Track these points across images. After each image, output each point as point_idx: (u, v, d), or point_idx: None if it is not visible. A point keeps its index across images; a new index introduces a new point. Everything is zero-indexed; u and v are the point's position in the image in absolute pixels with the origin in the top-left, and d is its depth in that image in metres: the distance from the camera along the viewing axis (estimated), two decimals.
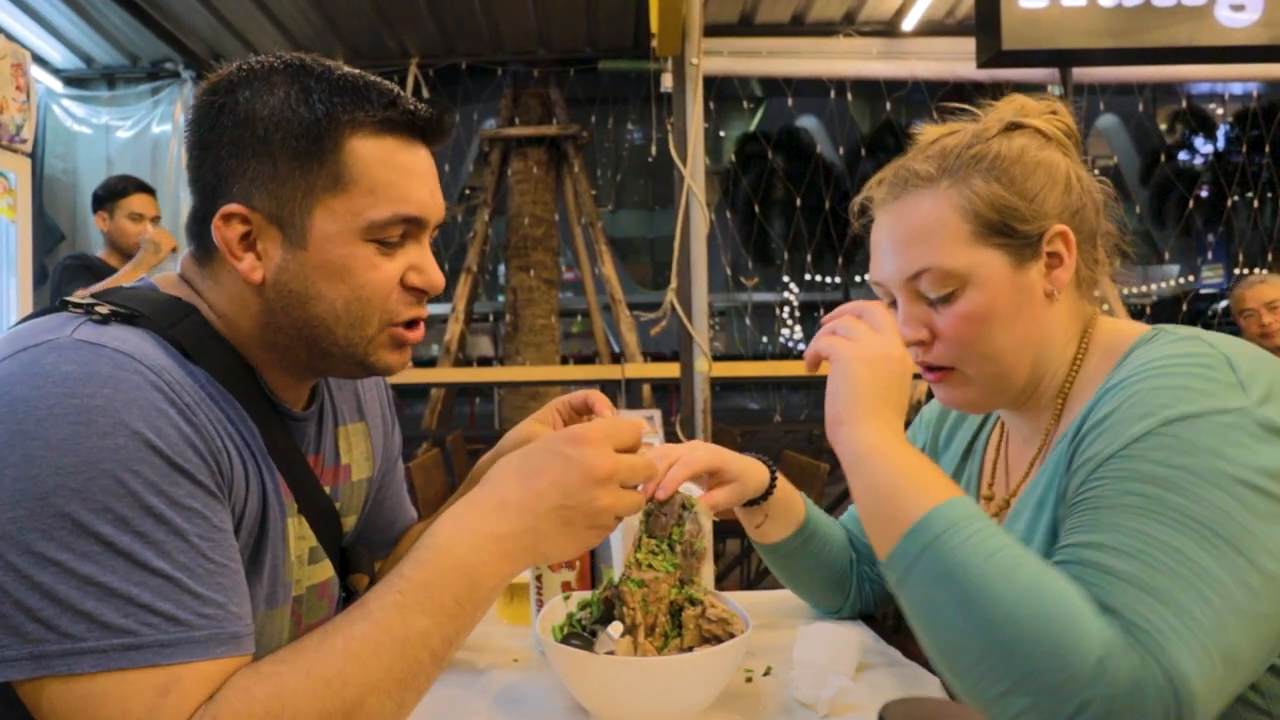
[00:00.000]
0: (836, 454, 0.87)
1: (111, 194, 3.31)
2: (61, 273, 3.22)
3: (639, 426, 0.86)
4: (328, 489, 0.97)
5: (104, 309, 0.78)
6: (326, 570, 0.96)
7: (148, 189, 3.38)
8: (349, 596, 0.99)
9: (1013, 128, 0.96)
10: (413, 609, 0.75)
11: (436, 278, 0.88)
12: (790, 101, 5.58)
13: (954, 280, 0.91)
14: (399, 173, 0.84)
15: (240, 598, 0.74)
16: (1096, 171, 1.00)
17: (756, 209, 6.66)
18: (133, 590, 0.67)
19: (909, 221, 0.94)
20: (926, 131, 1.00)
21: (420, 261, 0.87)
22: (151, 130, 5.58)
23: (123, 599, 0.67)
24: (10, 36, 4.20)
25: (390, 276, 0.85)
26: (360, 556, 1.02)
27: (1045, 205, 0.92)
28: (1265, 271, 4.05)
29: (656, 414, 3.86)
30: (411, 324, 0.88)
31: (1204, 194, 7.44)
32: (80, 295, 0.82)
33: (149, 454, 0.70)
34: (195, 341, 0.82)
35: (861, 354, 0.88)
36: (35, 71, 4.75)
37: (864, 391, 0.86)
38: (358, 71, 0.85)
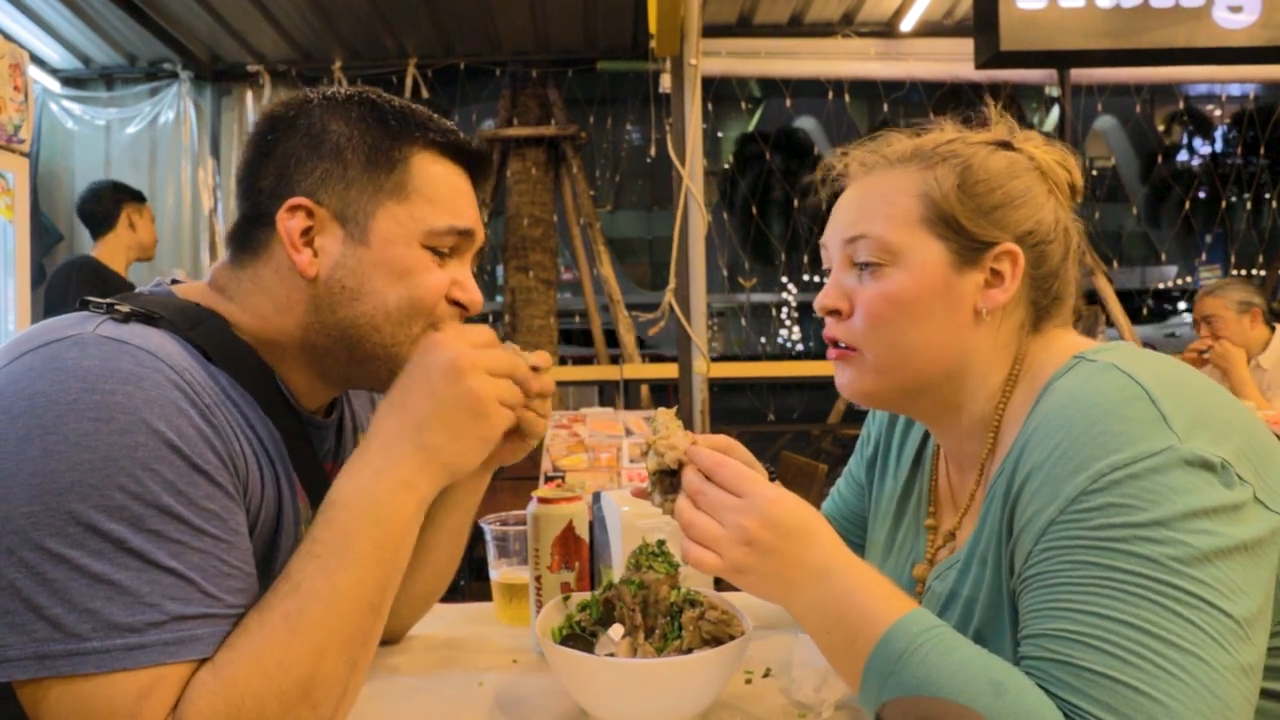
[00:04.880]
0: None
1: (138, 196, 3.33)
2: (68, 279, 3.21)
3: (487, 329, 0.89)
4: None
5: (124, 308, 0.78)
6: None
7: None
8: None
9: (1002, 146, 0.94)
10: (333, 568, 0.75)
11: (477, 295, 0.93)
12: (788, 102, 5.58)
13: (886, 253, 0.90)
14: (455, 192, 0.91)
15: (250, 601, 0.74)
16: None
17: (754, 209, 6.66)
18: (143, 589, 0.67)
19: (866, 189, 0.95)
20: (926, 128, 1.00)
21: (464, 279, 0.92)
22: (150, 131, 5.57)
23: (132, 598, 0.67)
24: (8, 37, 4.20)
25: (443, 282, 0.90)
26: None
27: (1003, 220, 0.90)
28: (1232, 275, 4.06)
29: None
30: None
31: (1202, 195, 7.45)
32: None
33: (168, 453, 0.70)
34: (216, 344, 0.83)
35: (733, 561, 0.81)
36: (33, 71, 4.74)
37: (762, 585, 0.82)
38: (422, 107, 0.93)
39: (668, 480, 0.89)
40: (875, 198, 0.93)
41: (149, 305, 0.81)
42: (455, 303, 0.91)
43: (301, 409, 0.91)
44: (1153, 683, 0.67)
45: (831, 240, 0.97)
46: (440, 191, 0.89)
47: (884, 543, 1.09)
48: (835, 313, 0.95)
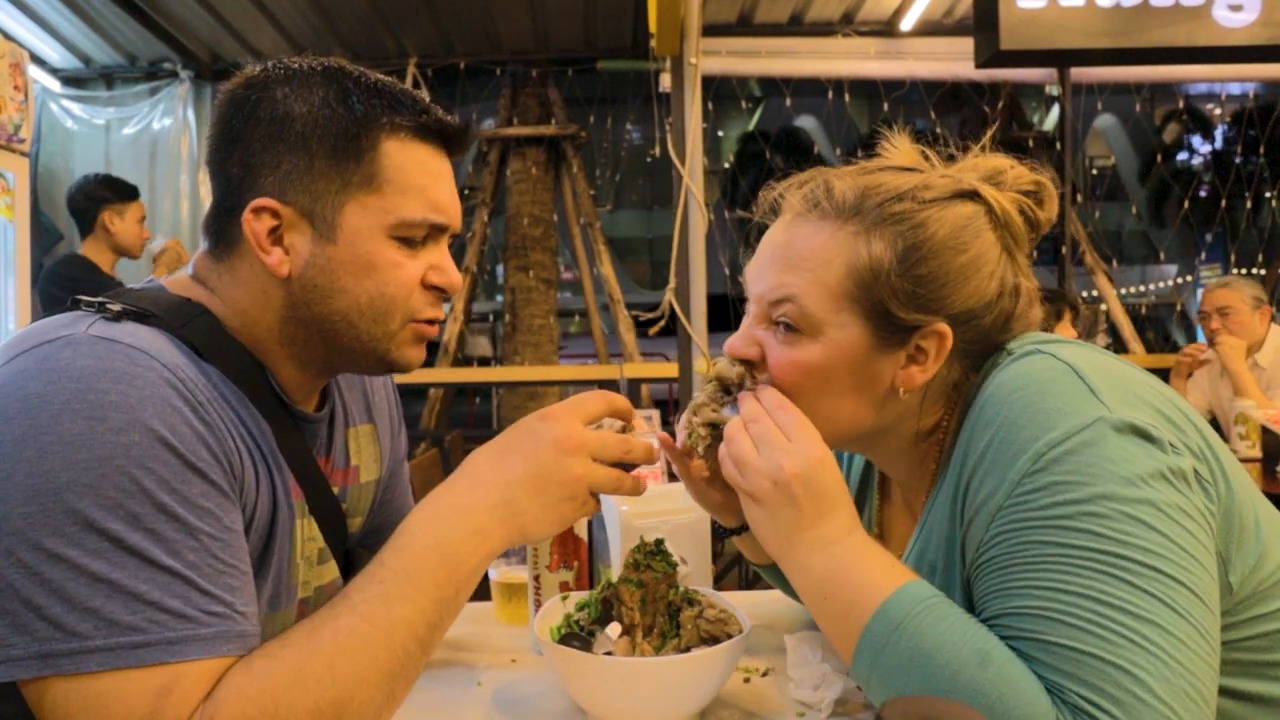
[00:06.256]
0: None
1: (123, 194, 3.32)
2: (57, 277, 3.21)
3: (607, 396, 0.88)
4: (336, 490, 0.97)
5: (116, 306, 0.78)
6: (333, 571, 0.97)
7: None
8: None
9: (962, 196, 0.88)
10: (394, 596, 0.75)
11: (455, 277, 0.91)
12: (788, 101, 5.58)
13: (805, 323, 0.86)
14: (429, 177, 0.87)
15: (248, 599, 0.74)
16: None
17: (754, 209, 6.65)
18: (141, 587, 0.67)
19: (799, 244, 0.88)
20: (890, 150, 0.94)
21: (440, 262, 0.90)
22: (150, 130, 5.57)
23: (131, 596, 0.67)
24: (8, 36, 4.20)
25: (413, 274, 0.87)
26: (362, 559, 1.02)
27: (939, 302, 0.85)
28: (1237, 274, 4.08)
29: (655, 414, 3.86)
30: (430, 321, 0.91)
31: (1202, 194, 7.45)
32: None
33: (163, 451, 0.70)
34: (207, 340, 0.82)
35: (754, 488, 0.82)
36: (33, 71, 4.75)
37: (769, 528, 0.83)
38: (390, 79, 0.88)
39: (722, 395, 0.91)
40: (804, 260, 0.87)
41: (140, 302, 0.80)
42: (433, 286, 0.89)
43: (292, 404, 0.91)
44: (1118, 652, 0.68)
45: (753, 288, 0.92)
46: (414, 179, 0.86)
47: None
48: (747, 361, 0.91)
